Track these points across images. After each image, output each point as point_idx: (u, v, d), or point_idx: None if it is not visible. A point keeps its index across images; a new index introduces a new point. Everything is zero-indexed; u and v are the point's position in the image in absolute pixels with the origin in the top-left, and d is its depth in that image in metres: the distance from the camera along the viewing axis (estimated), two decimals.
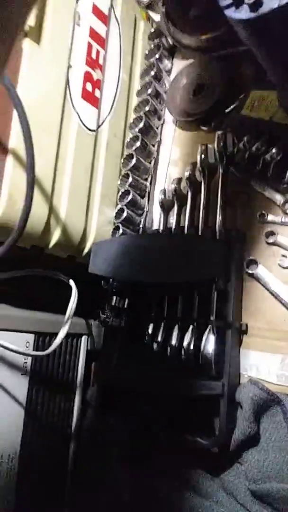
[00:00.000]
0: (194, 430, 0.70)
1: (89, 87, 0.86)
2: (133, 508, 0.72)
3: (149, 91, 0.94)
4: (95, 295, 0.84)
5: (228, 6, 0.51)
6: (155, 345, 0.76)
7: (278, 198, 0.78)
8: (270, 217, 0.78)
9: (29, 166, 0.61)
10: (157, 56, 0.99)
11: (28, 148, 0.62)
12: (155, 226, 0.89)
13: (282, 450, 0.65)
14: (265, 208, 0.78)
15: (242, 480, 0.69)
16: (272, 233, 0.76)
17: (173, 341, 0.73)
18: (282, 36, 0.50)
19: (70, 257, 0.86)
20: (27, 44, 0.75)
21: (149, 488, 0.71)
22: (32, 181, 0.62)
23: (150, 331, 0.77)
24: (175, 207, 0.83)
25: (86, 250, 0.83)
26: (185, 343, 0.71)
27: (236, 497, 0.68)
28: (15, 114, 0.68)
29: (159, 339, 0.75)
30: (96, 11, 0.90)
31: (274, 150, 0.71)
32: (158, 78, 0.97)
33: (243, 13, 0.49)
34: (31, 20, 0.74)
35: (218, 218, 0.77)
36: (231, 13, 0.50)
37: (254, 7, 0.47)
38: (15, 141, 0.69)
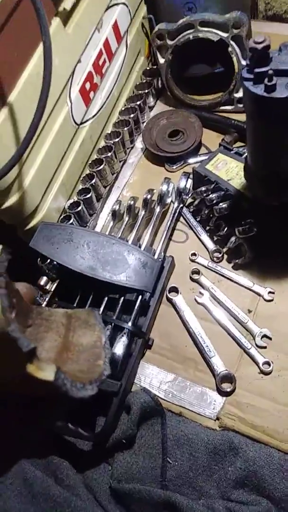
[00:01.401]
0: (77, 421, 0.73)
1: (87, 86, 0.92)
2: None
3: (132, 115, 1.03)
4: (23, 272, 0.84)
5: (248, 79, 0.62)
6: None
7: (210, 246, 0.90)
8: (199, 259, 0.89)
9: (34, 124, 0.63)
10: (146, 90, 1.10)
11: (40, 106, 0.64)
12: (97, 230, 0.94)
13: (152, 457, 0.72)
14: (197, 250, 0.90)
15: (105, 480, 0.73)
16: (197, 272, 0.87)
17: None
18: (277, 120, 0.64)
19: (10, 228, 0.86)
20: (55, 22, 0.79)
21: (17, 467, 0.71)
22: (30, 139, 0.64)
23: None
24: (125, 221, 0.90)
25: (30, 225, 0.85)
26: None
27: (95, 494, 0.72)
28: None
29: None
30: (116, 28, 0.99)
31: (224, 206, 0.84)
32: (141, 108, 1.07)
33: (258, 90, 0.61)
34: (68, 3, 0.80)
35: (160, 243, 0.86)
36: (249, 85, 0.62)
37: (269, 89, 0.60)
38: (19, 95, 0.72)
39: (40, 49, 0.75)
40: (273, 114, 0.62)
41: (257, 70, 0.59)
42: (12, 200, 0.78)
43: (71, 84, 0.87)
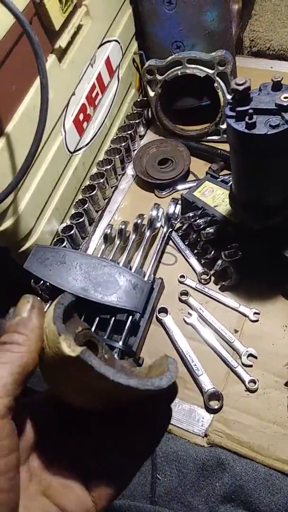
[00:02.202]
0: None
1: (81, 117, 0.97)
2: None
3: (123, 144, 1.09)
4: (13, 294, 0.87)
5: (231, 117, 0.68)
6: None
7: (198, 268, 0.94)
8: (187, 281, 0.93)
9: (31, 154, 0.67)
10: (137, 120, 1.15)
11: (37, 138, 0.68)
12: (89, 252, 0.98)
13: (142, 473, 0.74)
14: (186, 272, 0.94)
15: None
16: (186, 293, 0.91)
17: None
18: (257, 154, 0.69)
19: (4, 250, 0.89)
20: (51, 58, 0.85)
21: None
22: (27, 168, 0.68)
23: None
24: (116, 244, 0.94)
25: (24, 248, 0.88)
26: None
27: None
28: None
29: None
30: (108, 63, 1.05)
31: (210, 230, 0.89)
32: (132, 137, 1.13)
33: (240, 126, 0.66)
34: (64, 42, 0.85)
35: (150, 265, 0.90)
36: (231, 122, 0.67)
37: (250, 126, 0.65)
38: (16, 126, 0.76)
39: (36, 83, 0.80)
40: (253, 149, 0.67)
41: (238, 108, 0.64)
42: (7, 223, 0.81)
43: (65, 115, 0.92)
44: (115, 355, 0.79)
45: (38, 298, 0.38)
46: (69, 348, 0.33)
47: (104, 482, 0.37)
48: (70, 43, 0.88)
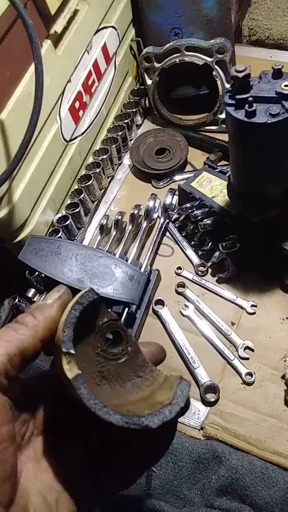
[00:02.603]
0: None
1: (77, 104, 0.95)
2: None
3: (120, 133, 1.07)
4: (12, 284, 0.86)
5: (230, 105, 0.66)
6: None
7: (195, 260, 0.93)
8: (184, 273, 0.92)
9: (25, 142, 0.66)
10: (134, 109, 1.13)
11: (31, 125, 0.66)
12: (85, 243, 0.97)
13: None
14: (182, 264, 0.93)
15: None
16: (182, 285, 0.90)
17: None
18: (256, 143, 0.67)
19: None
20: (46, 44, 0.82)
21: None
22: (21, 156, 0.67)
23: None
24: (112, 235, 0.92)
25: (19, 238, 0.86)
26: None
27: None
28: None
29: None
30: (105, 49, 1.03)
31: (208, 222, 0.88)
32: (129, 126, 1.11)
33: (239, 115, 0.65)
34: (59, 27, 0.83)
35: (147, 257, 0.89)
36: (230, 110, 0.66)
37: (249, 115, 0.64)
38: (11, 113, 0.74)
39: (31, 69, 0.78)
40: (253, 138, 0.66)
41: (238, 96, 0.62)
42: (1, 213, 0.79)
43: (61, 102, 0.90)
44: None
45: (70, 292, 0.39)
46: (68, 365, 0.33)
47: (109, 477, 0.38)
48: (66, 29, 0.86)
